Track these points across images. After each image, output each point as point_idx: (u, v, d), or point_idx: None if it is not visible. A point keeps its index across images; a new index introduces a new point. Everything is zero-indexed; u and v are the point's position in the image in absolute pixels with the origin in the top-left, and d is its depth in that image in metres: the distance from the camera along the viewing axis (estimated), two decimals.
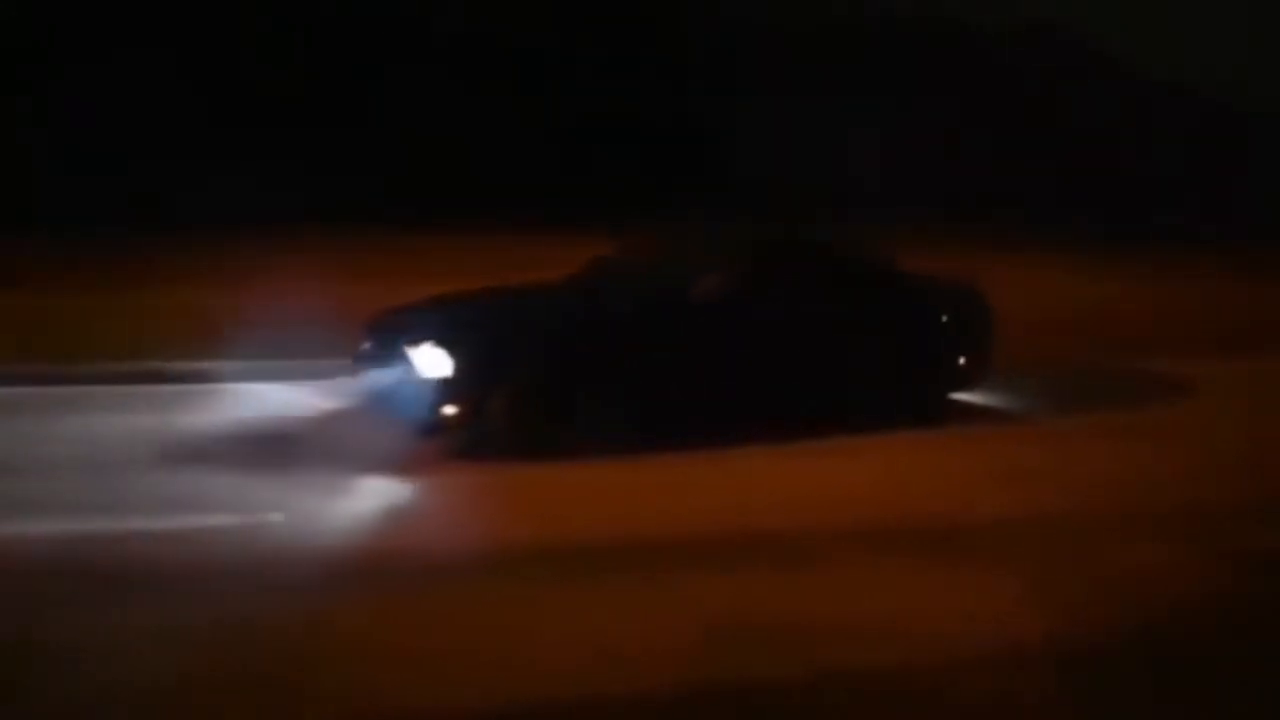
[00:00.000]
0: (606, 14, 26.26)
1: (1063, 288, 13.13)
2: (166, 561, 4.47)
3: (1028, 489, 5.84)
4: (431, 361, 6.09)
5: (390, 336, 6.39)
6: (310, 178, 17.80)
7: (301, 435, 6.56)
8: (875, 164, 24.66)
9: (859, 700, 3.52)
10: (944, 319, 7.52)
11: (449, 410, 6.08)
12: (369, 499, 5.66)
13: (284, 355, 7.97)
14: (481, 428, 6.10)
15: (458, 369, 6.07)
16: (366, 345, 6.59)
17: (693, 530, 5.08)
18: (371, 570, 4.56)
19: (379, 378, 6.34)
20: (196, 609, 4.00)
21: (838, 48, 29.22)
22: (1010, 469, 6.20)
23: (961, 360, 7.51)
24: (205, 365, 7.78)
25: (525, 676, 3.60)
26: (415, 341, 6.18)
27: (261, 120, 19.72)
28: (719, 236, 7.71)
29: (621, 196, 18.99)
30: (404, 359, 6.16)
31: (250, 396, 7.41)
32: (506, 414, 6.09)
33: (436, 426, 6.12)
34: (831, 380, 7.02)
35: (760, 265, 6.95)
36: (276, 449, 6.22)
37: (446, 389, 6.08)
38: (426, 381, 6.09)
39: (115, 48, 19.38)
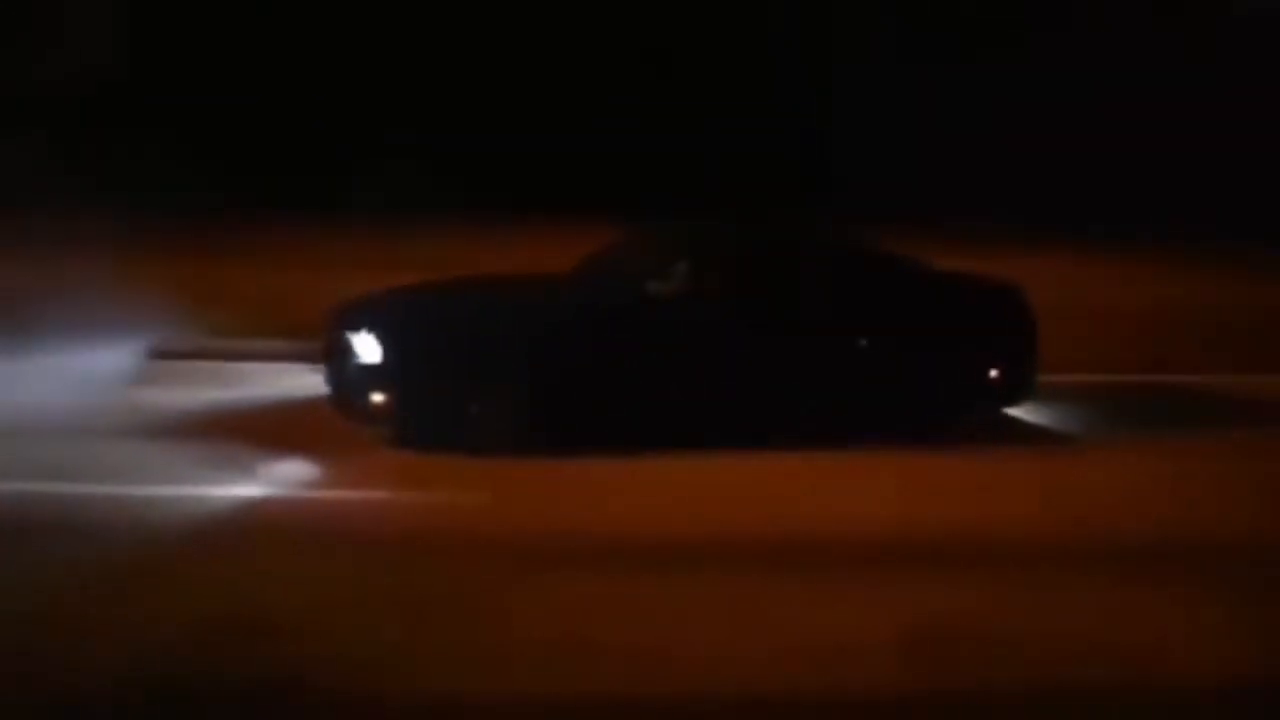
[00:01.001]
0: None
1: None
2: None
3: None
4: (365, 348, 6.08)
5: (344, 323, 6.44)
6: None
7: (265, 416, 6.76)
8: None
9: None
10: (962, 323, 6.56)
11: (376, 397, 6.03)
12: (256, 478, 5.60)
13: None
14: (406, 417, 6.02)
15: (385, 356, 6.01)
16: (331, 332, 6.69)
17: None
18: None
19: (332, 364, 6.41)
20: None
21: None
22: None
23: (993, 372, 6.51)
24: None
25: None
26: (356, 328, 6.19)
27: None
28: (695, 234, 7.03)
29: None
30: (347, 345, 6.20)
31: None
32: (416, 407, 5.99)
33: (368, 413, 6.09)
34: (812, 389, 6.30)
35: (721, 264, 6.41)
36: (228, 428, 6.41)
37: (374, 376, 6.04)
38: (361, 367, 6.09)
39: None
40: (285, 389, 7.30)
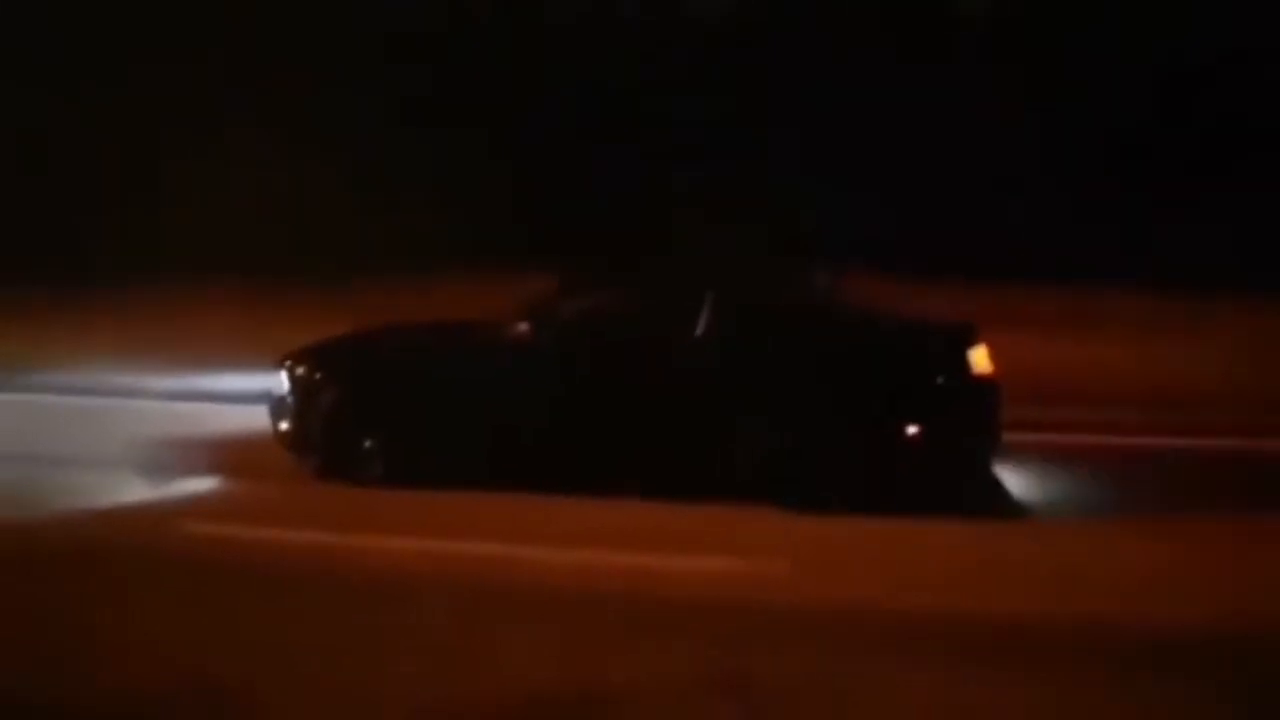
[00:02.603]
0: None
1: None
2: None
3: None
4: (280, 380, 6.50)
5: (285, 358, 6.87)
6: None
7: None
8: None
9: None
10: (865, 369, 5.82)
11: (283, 426, 6.42)
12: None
13: None
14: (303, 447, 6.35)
15: (291, 390, 6.39)
16: None
17: None
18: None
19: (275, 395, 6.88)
20: None
21: None
22: None
23: (911, 429, 5.65)
24: None
25: None
26: (282, 363, 6.63)
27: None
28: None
29: None
30: (277, 377, 6.66)
31: None
32: (311, 439, 6.28)
33: (280, 441, 6.48)
34: (678, 440, 5.86)
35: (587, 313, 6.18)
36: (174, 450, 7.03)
37: (281, 407, 6.44)
38: (276, 398, 6.52)
39: None
40: None
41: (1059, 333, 9.86)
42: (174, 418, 8.33)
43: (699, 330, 5.94)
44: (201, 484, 6.34)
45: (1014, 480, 6.21)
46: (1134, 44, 14.46)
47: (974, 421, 5.77)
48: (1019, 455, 6.50)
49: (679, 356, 5.97)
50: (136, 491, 6.16)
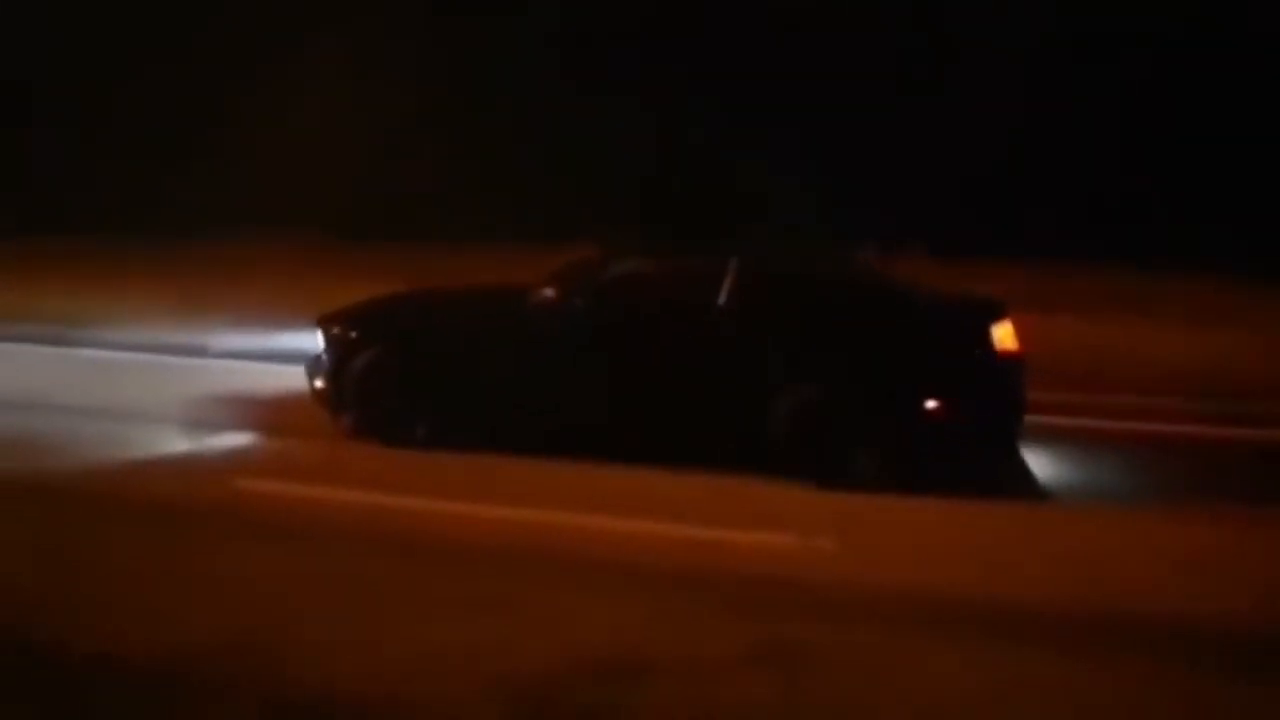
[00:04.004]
0: None
1: None
2: None
3: None
4: (317, 340, 6.70)
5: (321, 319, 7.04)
6: None
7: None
8: None
9: None
10: (883, 341, 5.79)
11: (318, 384, 6.62)
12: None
13: None
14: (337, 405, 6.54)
15: (325, 349, 6.58)
16: None
17: None
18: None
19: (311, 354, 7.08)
20: None
21: None
22: None
23: (931, 403, 5.62)
24: None
25: None
26: (319, 322, 6.82)
27: None
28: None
29: None
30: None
31: None
32: (344, 399, 6.47)
33: (316, 398, 6.68)
34: (667, 410, 5.96)
35: (601, 276, 6.28)
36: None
37: (317, 366, 6.63)
38: (312, 357, 6.72)
39: None
40: None
41: (1107, 315, 9.70)
42: (227, 375, 8.62)
43: (722, 299, 5.98)
44: (241, 439, 6.59)
45: (1042, 461, 6.16)
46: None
47: (996, 397, 5.72)
48: (1052, 437, 6.46)
49: (702, 325, 6.02)
50: (178, 445, 6.42)
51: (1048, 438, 6.40)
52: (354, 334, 6.55)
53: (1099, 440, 6.82)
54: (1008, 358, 5.75)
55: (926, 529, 5.11)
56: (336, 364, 6.50)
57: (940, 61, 14.29)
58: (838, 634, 3.81)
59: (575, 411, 6.10)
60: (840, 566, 4.60)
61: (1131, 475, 6.14)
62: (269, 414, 7.09)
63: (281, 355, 8.92)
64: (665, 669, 3.51)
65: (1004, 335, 5.82)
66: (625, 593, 4.23)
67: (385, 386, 6.34)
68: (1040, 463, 6.14)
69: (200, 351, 9.71)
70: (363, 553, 4.62)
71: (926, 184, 13.67)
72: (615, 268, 6.42)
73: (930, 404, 5.63)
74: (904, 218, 12.40)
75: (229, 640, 3.67)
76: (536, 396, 6.18)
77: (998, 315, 5.83)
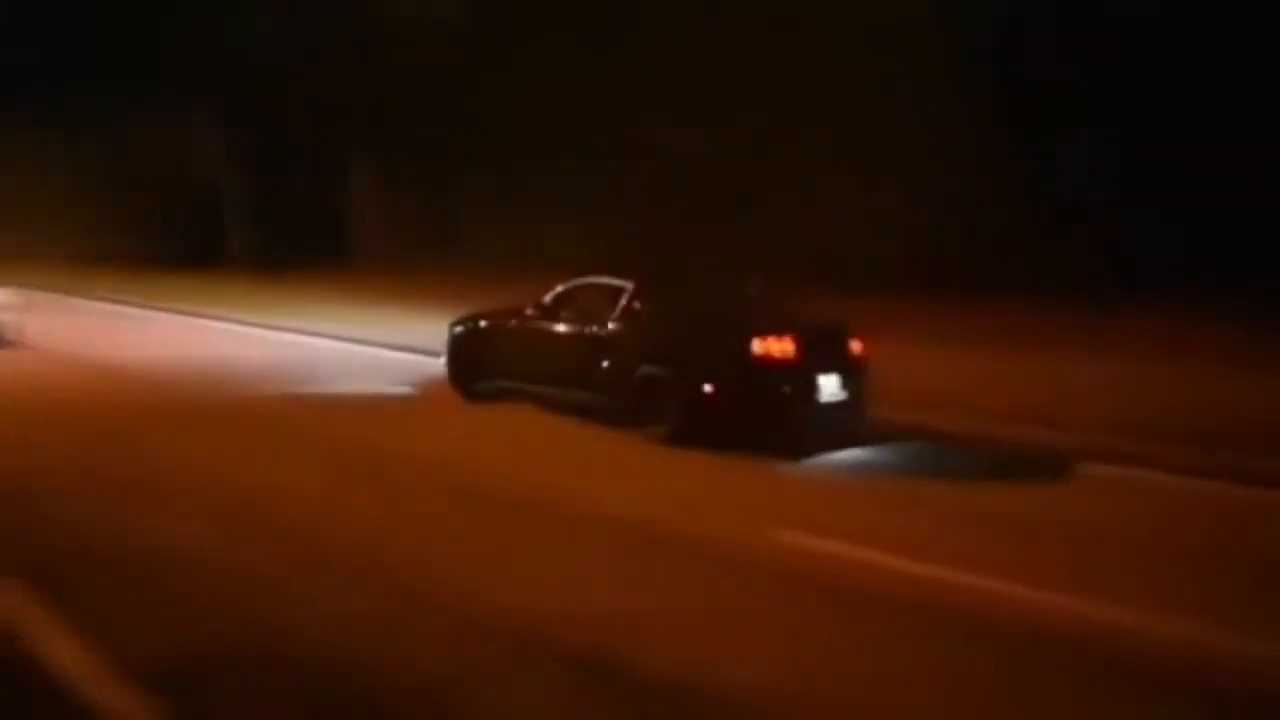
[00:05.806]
0: None
1: None
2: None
3: None
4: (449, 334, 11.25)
5: None
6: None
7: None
8: None
9: None
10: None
11: (442, 363, 11.14)
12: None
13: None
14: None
15: (449, 340, 11.15)
16: None
17: None
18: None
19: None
20: None
21: None
22: None
23: (707, 387, 8.54)
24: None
25: None
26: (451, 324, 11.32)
27: None
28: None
29: None
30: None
31: None
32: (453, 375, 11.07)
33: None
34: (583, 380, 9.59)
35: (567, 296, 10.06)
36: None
37: (447, 351, 11.16)
38: (447, 345, 11.27)
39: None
40: None
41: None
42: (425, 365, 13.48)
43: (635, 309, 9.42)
44: (403, 389, 11.50)
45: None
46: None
47: (762, 389, 8.49)
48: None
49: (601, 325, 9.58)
50: (375, 389, 11.47)
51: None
52: (457, 328, 11.15)
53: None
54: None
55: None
56: (450, 351, 11.07)
57: None
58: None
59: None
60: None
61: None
62: (431, 382, 11.90)
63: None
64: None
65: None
66: None
67: (476, 367, 10.83)
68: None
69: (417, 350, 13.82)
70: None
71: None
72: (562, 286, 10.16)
73: (706, 388, 8.59)
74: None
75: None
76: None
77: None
